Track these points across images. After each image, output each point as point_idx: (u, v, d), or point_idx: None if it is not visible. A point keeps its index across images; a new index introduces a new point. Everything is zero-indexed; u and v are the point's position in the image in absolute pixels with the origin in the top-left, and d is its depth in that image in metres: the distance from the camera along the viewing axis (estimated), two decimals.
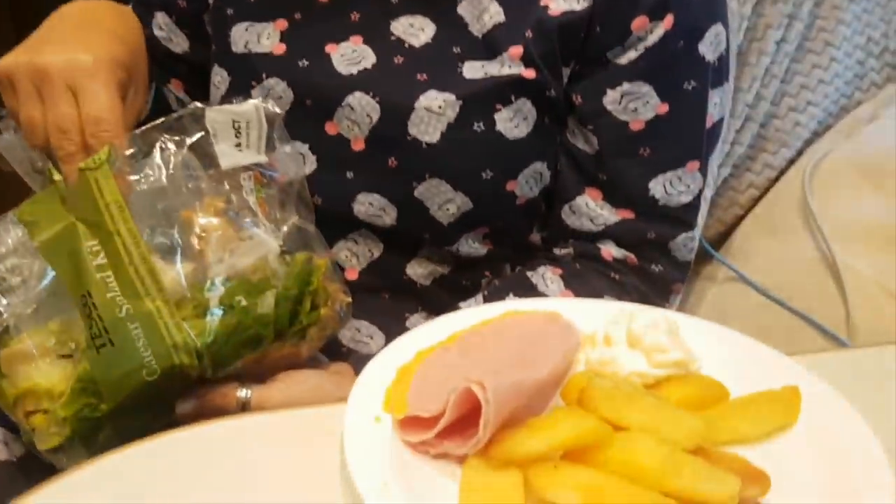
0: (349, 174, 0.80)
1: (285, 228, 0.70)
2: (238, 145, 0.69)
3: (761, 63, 1.09)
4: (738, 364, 0.63)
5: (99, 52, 0.70)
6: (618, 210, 0.81)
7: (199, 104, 0.70)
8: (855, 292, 0.99)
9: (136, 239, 0.64)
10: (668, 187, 0.80)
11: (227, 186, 0.69)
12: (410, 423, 0.54)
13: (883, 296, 0.99)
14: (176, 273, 0.65)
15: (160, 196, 0.67)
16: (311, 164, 0.80)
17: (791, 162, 1.14)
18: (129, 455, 0.54)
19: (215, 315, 0.65)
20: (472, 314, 0.66)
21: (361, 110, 0.78)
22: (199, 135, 0.69)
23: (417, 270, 0.83)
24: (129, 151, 0.67)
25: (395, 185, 0.79)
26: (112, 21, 0.78)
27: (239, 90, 0.81)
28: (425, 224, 0.80)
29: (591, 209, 0.81)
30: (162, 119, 0.70)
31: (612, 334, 0.63)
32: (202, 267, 0.66)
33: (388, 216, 0.80)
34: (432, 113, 0.76)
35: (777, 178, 1.14)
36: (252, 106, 0.69)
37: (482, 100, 0.77)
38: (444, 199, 0.78)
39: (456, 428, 0.54)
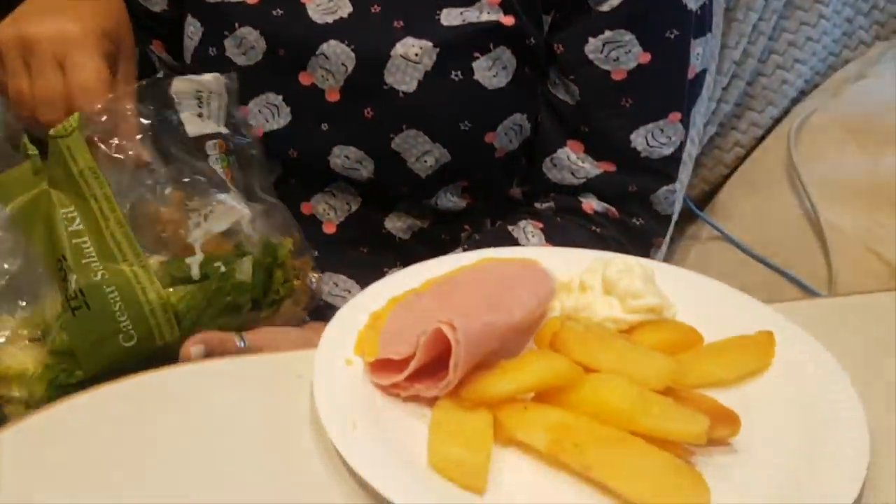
0: (324, 126, 0.78)
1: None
2: (200, 115, 0.71)
3: (749, 19, 1.07)
4: (714, 311, 0.63)
5: (86, 23, 0.69)
6: (599, 163, 0.80)
7: (162, 74, 0.71)
8: (838, 250, 0.99)
9: (111, 204, 0.63)
10: (649, 139, 0.80)
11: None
12: (381, 365, 0.54)
13: (865, 253, 0.99)
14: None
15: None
16: (285, 117, 0.79)
17: (777, 120, 1.13)
18: (97, 397, 0.53)
19: (195, 278, 0.65)
20: (447, 261, 0.66)
21: (336, 59, 0.76)
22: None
23: (396, 224, 0.83)
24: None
25: (372, 136, 0.78)
26: None
27: (212, 41, 0.80)
28: (403, 177, 0.79)
29: (573, 162, 0.81)
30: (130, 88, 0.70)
31: (587, 281, 0.63)
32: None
33: (366, 169, 0.79)
34: (409, 61, 0.75)
35: (763, 137, 1.14)
36: (213, 77, 0.71)
37: (460, 47, 0.75)
38: (421, 151, 0.77)
39: (427, 371, 0.53)
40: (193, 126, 0.70)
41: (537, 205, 0.83)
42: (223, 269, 0.66)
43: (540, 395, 0.53)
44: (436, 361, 0.53)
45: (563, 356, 0.53)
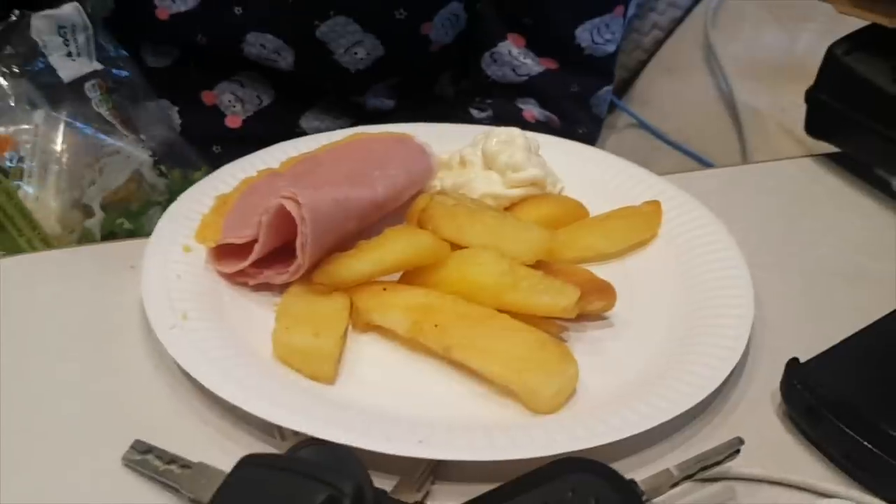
0: (237, 9, 0.68)
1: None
2: (69, 54, 0.62)
3: None
4: (605, 184, 0.58)
5: None
6: (542, 59, 0.74)
7: (17, 11, 0.61)
8: (752, 130, 0.96)
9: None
10: (594, 35, 0.74)
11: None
12: (224, 252, 0.48)
13: (779, 132, 0.96)
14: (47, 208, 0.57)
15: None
16: None
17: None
18: None
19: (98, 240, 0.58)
20: (314, 139, 0.59)
21: None
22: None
23: (313, 124, 0.75)
24: None
25: (293, 23, 0.68)
26: None
27: None
28: (328, 70, 0.70)
29: (514, 57, 0.74)
30: None
31: (467, 156, 0.57)
32: (74, 195, 0.58)
33: (285, 60, 0.70)
34: None
35: (682, 19, 1.08)
36: (73, 7, 0.62)
37: None
38: (351, 42, 0.69)
39: (279, 256, 0.48)
40: (67, 69, 0.61)
41: (475, 112, 0.76)
42: (128, 225, 0.59)
43: (405, 276, 0.48)
44: (288, 245, 0.47)
45: (427, 232, 0.48)
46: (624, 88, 1.11)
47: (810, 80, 0.67)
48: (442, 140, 0.60)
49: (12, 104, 0.59)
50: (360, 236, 0.49)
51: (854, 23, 0.62)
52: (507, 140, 0.56)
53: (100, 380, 0.43)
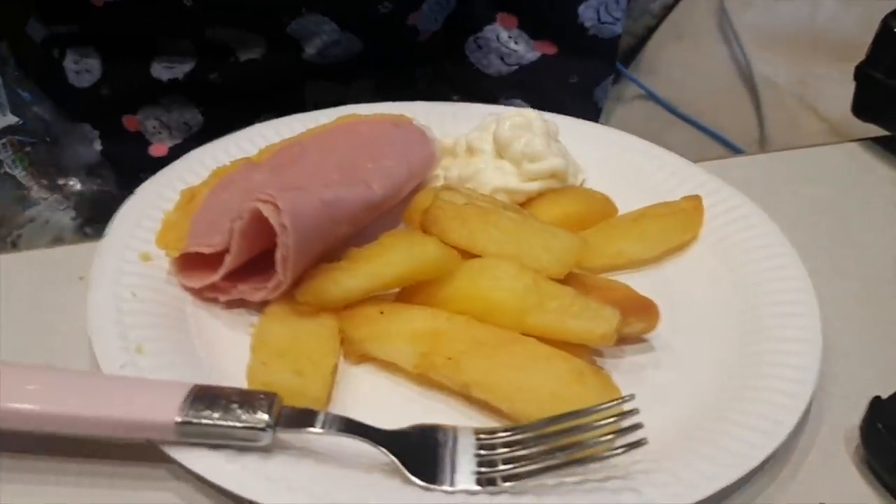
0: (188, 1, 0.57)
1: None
2: None
3: None
4: (633, 174, 0.51)
5: None
6: (536, 42, 0.64)
7: None
8: (770, 105, 0.89)
9: None
10: (601, 13, 0.63)
11: None
12: (190, 262, 0.40)
13: (802, 109, 0.89)
14: None
15: None
16: None
17: None
18: None
19: None
20: (298, 120, 0.50)
21: None
22: None
23: None
24: None
25: (267, 18, 0.58)
26: None
27: None
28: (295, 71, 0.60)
29: (503, 42, 0.64)
30: None
31: (475, 143, 0.49)
32: None
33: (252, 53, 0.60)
34: None
35: None
36: None
37: None
38: (326, 42, 0.59)
39: (257, 268, 0.40)
40: None
41: None
42: None
43: (404, 292, 0.40)
44: (267, 254, 0.39)
45: (433, 239, 0.40)
46: (631, 56, 1.04)
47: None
48: (444, 122, 0.52)
49: None
50: (350, 242, 0.41)
51: None
52: (522, 124, 0.48)
53: None
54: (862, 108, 0.59)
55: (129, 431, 0.33)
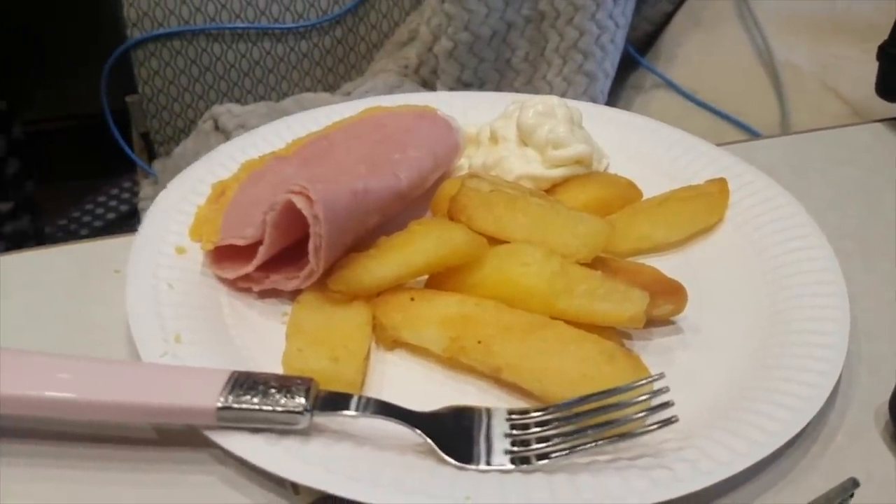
0: None
1: None
2: None
3: None
4: (657, 159, 0.51)
5: None
6: None
7: None
8: (792, 89, 0.88)
9: None
10: None
11: None
12: (224, 253, 0.41)
13: (822, 91, 0.88)
14: None
15: None
16: None
17: None
18: None
19: None
20: (324, 113, 0.51)
21: None
22: None
23: None
24: None
25: None
26: None
27: None
28: None
29: None
30: None
31: (499, 130, 0.50)
32: None
33: None
34: None
35: None
36: None
37: None
38: None
39: (288, 257, 0.41)
40: None
41: None
42: None
43: (434, 279, 0.41)
44: (299, 245, 0.40)
45: (461, 226, 0.41)
46: (649, 43, 1.03)
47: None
48: (468, 111, 0.53)
49: None
50: (379, 231, 0.42)
51: None
52: (545, 111, 0.48)
53: None
54: (886, 88, 0.59)
55: (171, 417, 0.34)
